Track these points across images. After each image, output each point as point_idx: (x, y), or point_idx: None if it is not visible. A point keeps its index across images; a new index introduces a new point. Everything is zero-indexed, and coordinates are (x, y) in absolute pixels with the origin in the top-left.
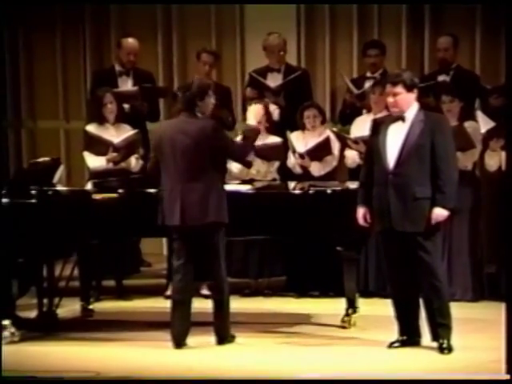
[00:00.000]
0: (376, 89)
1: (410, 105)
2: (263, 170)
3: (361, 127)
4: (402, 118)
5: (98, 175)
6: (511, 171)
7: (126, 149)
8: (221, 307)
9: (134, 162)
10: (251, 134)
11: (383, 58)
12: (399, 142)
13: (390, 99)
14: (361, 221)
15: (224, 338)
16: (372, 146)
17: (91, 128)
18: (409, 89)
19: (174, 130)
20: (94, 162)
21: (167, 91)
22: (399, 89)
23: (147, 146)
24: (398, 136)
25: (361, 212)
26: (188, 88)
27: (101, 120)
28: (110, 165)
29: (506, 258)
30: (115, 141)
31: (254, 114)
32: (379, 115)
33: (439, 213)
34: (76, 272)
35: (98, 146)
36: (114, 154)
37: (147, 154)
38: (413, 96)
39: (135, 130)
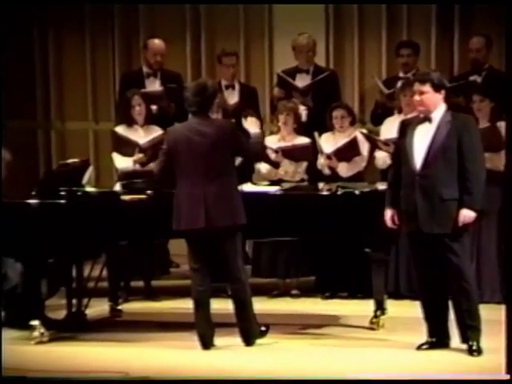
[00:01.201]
0: (407, 90)
1: (436, 105)
2: (291, 171)
3: (391, 128)
4: (428, 119)
5: (126, 176)
6: (511, 171)
7: (153, 150)
8: (244, 308)
9: None
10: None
11: (416, 58)
12: (426, 144)
13: (417, 97)
14: (389, 222)
15: (251, 339)
16: (399, 147)
17: (120, 129)
18: (436, 89)
19: (190, 133)
20: (122, 162)
21: None
22: (427, 87)
23: None
24: (424, 137)
25: (389, 214)
26: (201, 89)
27: (129, 121)
28: (138, 166)
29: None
30: (141, 142)
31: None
32: (409, 116)
33: (466, 214)
34: (105, 273)
35: (126, 147)
36: (141, 155)
37: None
38: (440, 97)
39: (162, 132)
